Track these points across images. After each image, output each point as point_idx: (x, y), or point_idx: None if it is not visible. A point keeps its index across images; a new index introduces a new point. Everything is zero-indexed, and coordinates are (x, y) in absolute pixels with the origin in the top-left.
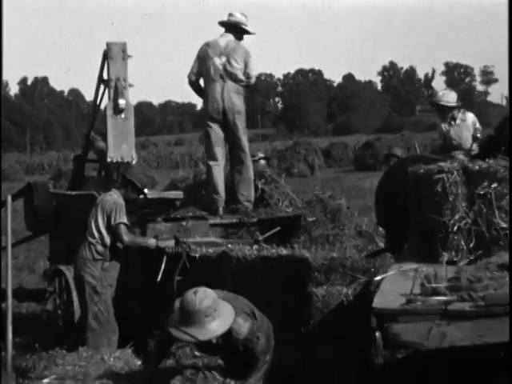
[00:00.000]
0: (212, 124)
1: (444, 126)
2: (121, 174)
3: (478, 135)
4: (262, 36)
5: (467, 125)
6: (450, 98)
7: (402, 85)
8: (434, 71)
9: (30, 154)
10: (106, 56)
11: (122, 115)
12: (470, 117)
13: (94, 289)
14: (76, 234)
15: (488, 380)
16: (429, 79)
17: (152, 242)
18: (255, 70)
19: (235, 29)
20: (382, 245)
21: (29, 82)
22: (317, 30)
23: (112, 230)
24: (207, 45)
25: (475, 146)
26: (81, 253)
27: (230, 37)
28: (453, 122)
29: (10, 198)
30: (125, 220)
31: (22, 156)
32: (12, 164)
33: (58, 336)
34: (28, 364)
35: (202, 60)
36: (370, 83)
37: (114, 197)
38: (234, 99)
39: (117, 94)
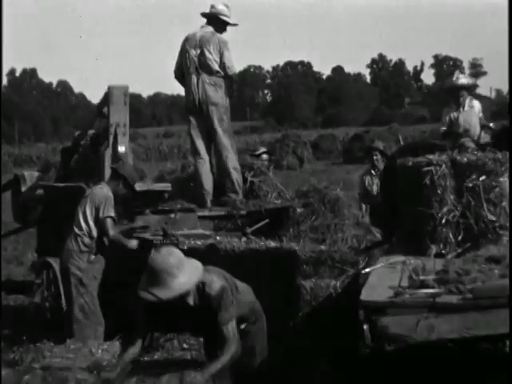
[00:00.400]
0: (192, 117)
1: (452, 114)
2: (113, 169)
3: (491, 125)
4: (251, 28)
5: (475, 111)
6: (466, 80)
7: (390, 77)
8: (422, 64)
9: (18, 145)
10: (106, 97)
11: (120, 162)
12: (477, 104)
13: (80, 281)
14: (64, 225)
15: (477, 374)
16: (418, 72)
17: (133, 243)
18: (231, 60)
19: (216, 20)
20: (378, 235)
21: (17, 74)
22: (306, 23)
23: (99, 222)
24: (186, 38)
25: (484, 134)
26: (67, 244)
27: (209, 28)
28: (461, 109)
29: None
30: (112, 214)
31: (10, 148)
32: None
33: (46, 328)
34: (15, 357)
35: (182, 53)
36: (358, 75)
37: (103, 190)
38: (208, 91)
39: (116, 140)
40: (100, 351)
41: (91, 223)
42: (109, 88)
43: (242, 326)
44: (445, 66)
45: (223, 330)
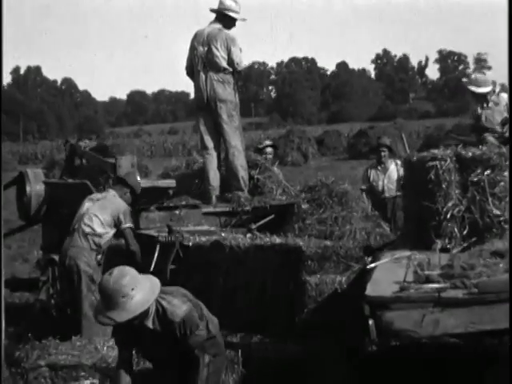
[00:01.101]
0: (200, 113)
1: (477, 110)
2: (122, 178)
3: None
4: (256, 24)
5: (500, 108)
6: (483, 83)
7: (395, 73)
8: (427, 59)
9: (22, 143)
10: (114, 168)
11: (128, 173)
12: (504, 99)
13: (91, 277)
14: (69, 223)
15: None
16: (422, 67)
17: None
18: (239, 56)
19: (224, 16)
20: (387, 229)
21: (21, 72)
22: (310, 18)
23: (120, 231)
24: (194, 35)
25: (507, 127)
26: (75, 242)
27: (217, 25)
28: (485, 105)
29: (1, 187)
30: (132, 224)
31: (14, 146)
32: (5, 154)
33: (52, 326)
34: (21, 354)
35: (191, 50)
36: (363, 71)
37: (118, 198)
38: (216, 88)
39: None
40: (105, 348)
41: (108, 228)
42: (116, 159)
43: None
44: (449, 61)
45: (196, 352)
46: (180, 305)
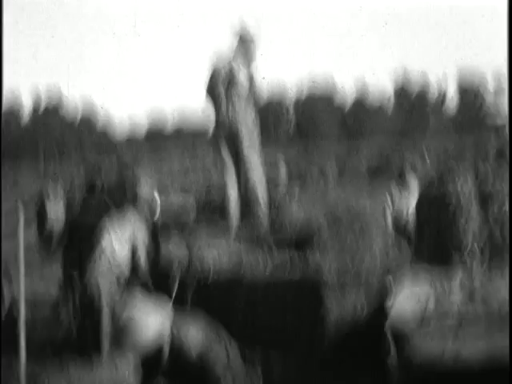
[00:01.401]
0: (221, 142)
1: None
2: (140, 197)
3: None
4: (272, 39)
5: None
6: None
7: (413, 107)
8: (445, 93)
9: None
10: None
11: None
12: None
13: (111, 297)
14: (89, 241)
15: None
16: (441, 101)
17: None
18: (260, 81)
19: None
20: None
21: (39, 112)
22: (324, 40)
23: (134, 253)
24: (215, 57)
25: None
26: (95, 261)
27: (238, 48)
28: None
29: (21, 204)
30: (148, 247)
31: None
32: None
33: (71, 346)
34: (41, 372)
35: (212, 74)
36: (380, 109)
37: (137, 219)
38: (238, 114)
39: None
40: (126, 369)
41: (126, 248)
42: (136, 180)
43: None
44: (468, 95)
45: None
46: (195, 335)
